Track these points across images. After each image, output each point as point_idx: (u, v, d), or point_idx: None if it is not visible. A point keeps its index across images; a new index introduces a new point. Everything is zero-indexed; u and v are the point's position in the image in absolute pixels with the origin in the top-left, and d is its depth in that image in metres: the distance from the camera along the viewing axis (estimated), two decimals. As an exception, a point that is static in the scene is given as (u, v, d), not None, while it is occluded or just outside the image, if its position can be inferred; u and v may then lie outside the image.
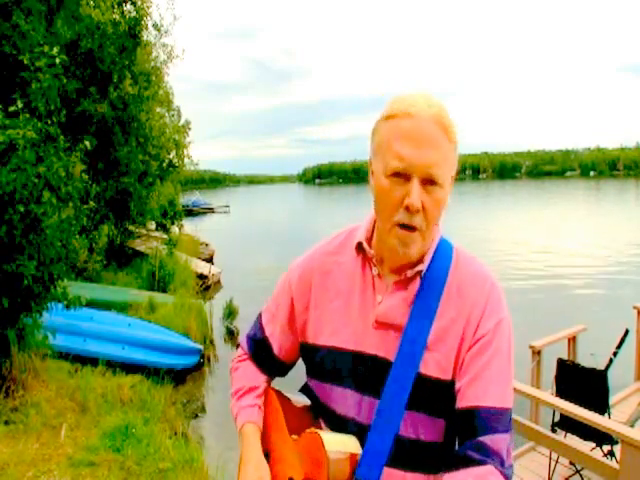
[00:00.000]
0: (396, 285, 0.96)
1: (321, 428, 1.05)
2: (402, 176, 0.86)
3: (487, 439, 0.84)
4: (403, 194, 0.86)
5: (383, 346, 0.94)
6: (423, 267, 0.94)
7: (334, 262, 1.04)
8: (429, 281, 0.94)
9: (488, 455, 0.83)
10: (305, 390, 1.13)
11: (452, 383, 0.90)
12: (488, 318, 0.90)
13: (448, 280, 0.94)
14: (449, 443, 0.93)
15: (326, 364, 1.01)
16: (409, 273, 0.94)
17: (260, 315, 1.17)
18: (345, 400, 0.98)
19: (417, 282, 0.95)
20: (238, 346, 1.22)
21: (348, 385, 0.97)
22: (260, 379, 1.14)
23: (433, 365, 0.90)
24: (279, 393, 1.14)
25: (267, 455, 1.08)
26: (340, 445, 0.91)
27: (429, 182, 0.86)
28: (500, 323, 0.91)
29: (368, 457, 0.89)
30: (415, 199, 0.85)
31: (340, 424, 0.99)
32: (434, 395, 0.91)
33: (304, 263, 1.09)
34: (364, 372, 0.95)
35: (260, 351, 1.15)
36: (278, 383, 1.21)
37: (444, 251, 0.98)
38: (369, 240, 1.01)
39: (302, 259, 1.11)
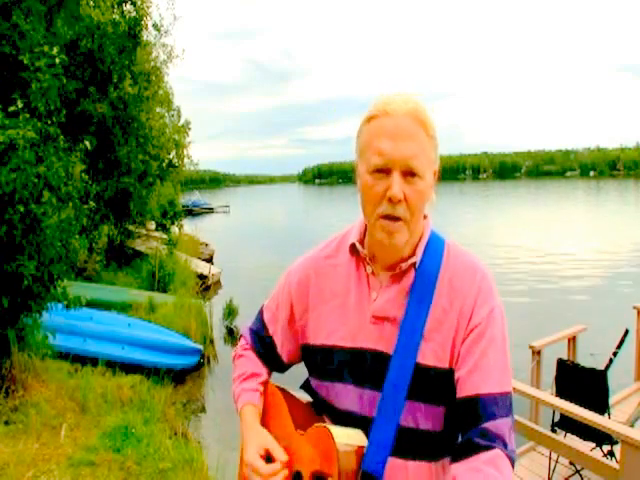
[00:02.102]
0: (391, 279, 0.99)
1: (324, 422, 1.06)
2: (383, 171, 0.91)
3: (490, 425, 0.87)
4: (385, 187, 0.91)
5: (381, 340, 0.97)
6: (416, 259, 0.98)
7: (330, 265, 1.08)
8: (422, 273, 0.97)
9: (493, 440, 0.86)
10: (306, 388, 1.14)
11: (449, 371, 0.93)
12: (480, 307, 0.94)
13: (440, 272, 0.97)
14: (450, 431, 0.95)
15: (326, 363, 1.04)
16: (404, 266, 0.98)
17: (262, 311, 1.20)
18: (346, 395, 1.01)
19: (411, 275, 0.98)
20: (240, 337, 1.24)
21: (348, 381, 1.00)
22: (263, 369, 1.17)
23: (430, 354, 0.93)
24: (281, 388, 1.15)
25: None
26: (348, 438, 0.93)
27: (409, 174, 0.90)
28: (492, 311, 0.94)
29: (373, 449, 0.92)
30: (396, 190, 0.89)
31: (343, 419, 1.01)
32: (433, 384, 0.93)
33: (302, 267, 1.12)
34: (363, 367, 0.98)
35: (263, 347, 1.17)
36: (277, 380, 1.21)
37: (435, 244, 1.01)
38: (362, 241, 1.04)
39: (301, 263, 1.13)
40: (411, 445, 0.95)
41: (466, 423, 0.90)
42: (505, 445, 0.87)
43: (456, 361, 0.93)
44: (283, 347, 1.14)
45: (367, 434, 0.95)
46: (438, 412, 0.94)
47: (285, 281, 1.14)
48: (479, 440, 0.87)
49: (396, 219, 0.92)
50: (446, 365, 0.93)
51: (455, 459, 0.89)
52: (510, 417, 0.90)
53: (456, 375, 0.92)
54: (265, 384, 1.16)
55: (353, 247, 1.04)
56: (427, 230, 1.02)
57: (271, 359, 1.17)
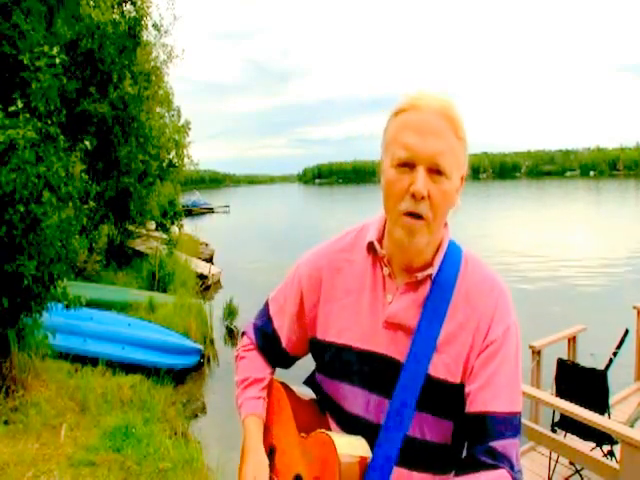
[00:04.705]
0: (407, 286, 0.96)
1: (328, 423, 1.06)
2: (408, 165, 0.88)
3: (498, 444, 0.86)
4: (409, 183, 0.88)
5: (393, 346, 0.95)
6: (433, 270, 0.95)
7: (345, 260, 1.04)
8: (439, 285, 0.95)
9: (500, 460, 0.85)
10: (310, 383, 1.13)
11: (459, 386, 0.91)
12: (497, 324, 0.92)
13: (457, 285, 0.95)
14: (457, 445, 0.94)
15: (335, 361, 1.02)
16: (420, 276, 0.95)
17: (267, 304, 1.16)
18: (353, 398, 0.99)
19: (427, 285, 0.95)
20: (244, 334, 1.21)
21: (357, 383, 0.98)
22: (266, 371, 1.15)
23: (442, 367, 0.92)
24: (285, 386, 1.14)
25: (272, 450, 1.08)
26: (351, 448, 0.91)
27: (435, 172, 0.88)
28: (509, 329, 0.92)
29: (379, 461, 0.90)
30: (420, 186, 0.86)
31: (348, 421, 1.00)
32: (441, 397, 0.92)
33: (314, 259, 1.09)
34: (373, 371, 0.96)
35: (267, 343, 1.14)
36: (282, 376, 1.20)
37: (453, 255, 0.98)
38: (380, 240, 1.01)
39: (312, 255, 1.10)
40: (418, 456, 0.94)
41: (473, 438, 0.89)
42: (512, 466, 0.86)
43: (468, 375, 0.91)
44: (289, 341, 1.11)
45: (371, 440, 0.93)
46: (446, 426, 0.93)
47: (295, 273, 1.11)
48: (485, 458, 0.85)
49: (418, 217, 0.88)
50: (457, 380, 0.91)
51: (458, 473, 0.88)
52: (517, 438, 0.89)
53: (467, 389, 0.91)
54: (269, 386, 1.14)
55: (371, 246, 1.00)
56: (446, 239, 0.99)
57: (275, 355, 1.15)
